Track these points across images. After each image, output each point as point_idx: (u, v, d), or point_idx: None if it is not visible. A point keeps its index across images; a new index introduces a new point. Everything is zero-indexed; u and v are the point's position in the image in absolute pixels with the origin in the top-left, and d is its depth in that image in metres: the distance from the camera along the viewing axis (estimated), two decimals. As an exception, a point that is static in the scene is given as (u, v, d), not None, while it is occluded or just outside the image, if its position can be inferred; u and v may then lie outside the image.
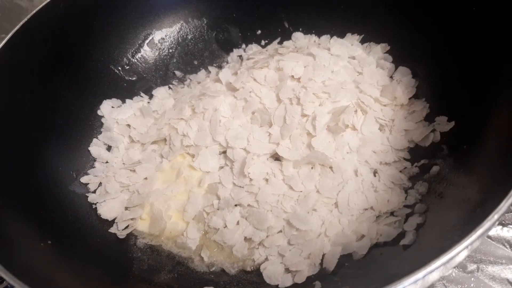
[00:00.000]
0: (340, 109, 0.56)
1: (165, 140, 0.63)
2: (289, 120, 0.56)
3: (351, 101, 0.58)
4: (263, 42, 0.77)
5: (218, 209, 0.55)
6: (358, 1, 0.71)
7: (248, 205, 0.54)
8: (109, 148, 0.65)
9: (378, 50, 0.67)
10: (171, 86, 0.74)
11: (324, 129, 0.56)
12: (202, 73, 0.76)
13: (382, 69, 0.64)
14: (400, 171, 0.55)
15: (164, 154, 0.61)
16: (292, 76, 0.60)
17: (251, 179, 0.55)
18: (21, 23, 0.59)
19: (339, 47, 0.66)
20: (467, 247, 0.33)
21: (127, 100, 0.70)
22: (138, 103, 0.70)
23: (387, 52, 0.66)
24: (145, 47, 0.76)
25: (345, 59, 0.64)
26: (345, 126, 0.56)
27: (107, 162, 0.64)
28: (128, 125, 0.67)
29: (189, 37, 0.79)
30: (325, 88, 0.58)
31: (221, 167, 0.59)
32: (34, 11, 0.60)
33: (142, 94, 0.72)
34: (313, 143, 0.55)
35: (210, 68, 0.76)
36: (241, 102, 0.61)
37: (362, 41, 0.70)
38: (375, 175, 0.55)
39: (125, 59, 0.74)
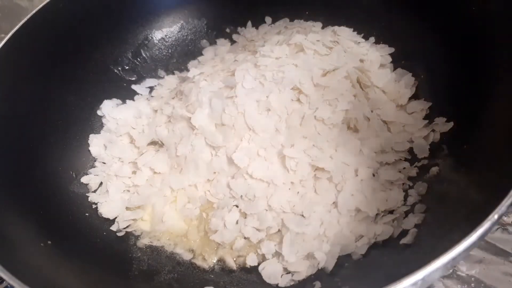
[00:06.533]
0: (349, 112, 0.56)
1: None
2: (291, 120, 0.56)
3: (353, 102, 0.58)
4: (263, 42, 0.77)
5: (217, 209, 0.55)
6: (358, 2, 0.71)
7: (247, 205, 0.54)
8: (109, 148, 0.65)
9: (380, 50, 0.67)
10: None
11: (326, 129, 0.56)
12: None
13: (383, 69, 0.64)
14: (400, 171, 0.55)
15: (163, 155, 0.61)
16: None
17: (250, 179, 0.55)
18: (21, 23, 0.59)
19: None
20: (467, 247, 0.33)
21: (127, 100, 0.70)
22: (138, 103, 0.70)
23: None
24: (145, 47, 0.76)
25: (356, 61, 0.63)
26: (347, 127, 0.56)
27: (107, 162, 0.63)
28: (128, 125, 0.66)
29: (189, 37, 0.79)
30: (327, 88, 0.58)
31: (221, 167, 0.59)
32: (34, 11, 0.60)
33: (141, 94, 0.72)
34: (314, 142, 0.55)
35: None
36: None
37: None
38: (374, 175, 0.55)
39: (125, 59, 0.74)
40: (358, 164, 0.54)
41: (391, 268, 0.44)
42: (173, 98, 0.67)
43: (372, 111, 0.58)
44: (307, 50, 0.61)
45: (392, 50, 0.66)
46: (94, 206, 0.59)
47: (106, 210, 0.58)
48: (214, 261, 0.53)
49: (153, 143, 0.64)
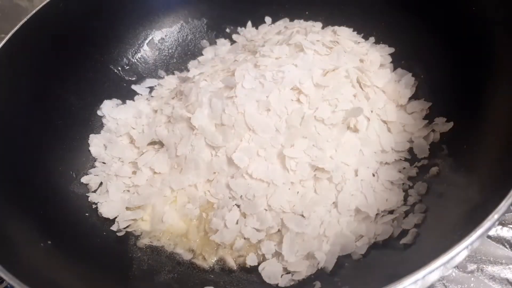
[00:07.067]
0: (349, 112, 0.56)
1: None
2: (291, 120, 0.56)
3: (353, 102, 0.58)
4: (263, 42, 0.77)
5: (217, 209, 0.55)
6: (358, 2, 0.71)
7: (247, 205, 0.54)
8: (109, 148, 0.65)
9: (380, 50, 0.67)
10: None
11: (326, 129, 0.56)
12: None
13: (383, 68, 0.64)
14: (400, 171, 0.55)
15: (163, 155, 0.61)
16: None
17: (250, 179, 0.55)
18: (21, 23, 0.59)
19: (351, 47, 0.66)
20: (467, 247, 0.33)
21: (127, 100, 0.70)
22: (138, 103, 0.70)
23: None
24: (145, 47, 0.76)
25: (356, 61, 0.63)
26: (347, 127, 0.56)
27: (107, 162, 0.63)
28: (128, 125, 0.66)
29: (189, 37, 0.79)
30: (327, 88, 0.58)
31: (221, 167, 0.59)
32: (34, 11, 0.60)
33: (141, 94, 0.72)
34: (314, 142, 0.55)
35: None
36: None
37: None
38: (374, 175, 0.55)
39: (125, 59, 0.74)
40: (358, 164, 0.54)
41: (391, 268, 0.44)
42: (173, 98, 0.67)
43: (372, 111, 0.58)
44: (307, 50, 0.61)
45: (392, 50, 0.67)
46: (94, 206, 0.59)
47: (106, 210, 0.58)
48: (214, 261, 0.53)
49: (153, 143, 0.64)
